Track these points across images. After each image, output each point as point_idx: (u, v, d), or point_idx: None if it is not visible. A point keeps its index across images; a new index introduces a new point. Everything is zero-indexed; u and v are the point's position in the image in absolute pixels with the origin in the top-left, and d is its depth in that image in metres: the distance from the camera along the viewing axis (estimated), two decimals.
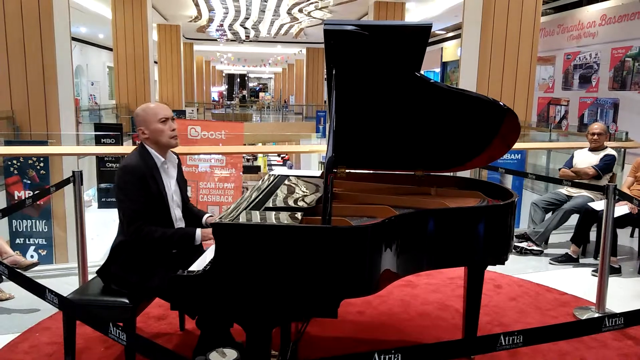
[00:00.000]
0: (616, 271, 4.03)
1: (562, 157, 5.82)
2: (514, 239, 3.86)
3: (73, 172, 3.27)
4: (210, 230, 2.33)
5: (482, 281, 2.60)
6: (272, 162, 13.80)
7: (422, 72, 2.37)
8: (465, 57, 7.07)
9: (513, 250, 4.46)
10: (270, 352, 1.93)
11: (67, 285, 3.45)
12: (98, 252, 5.53)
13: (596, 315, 3.24)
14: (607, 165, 4.49)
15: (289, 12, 16.50)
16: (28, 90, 5.33)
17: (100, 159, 6.69)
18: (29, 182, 4.75)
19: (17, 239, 4.80)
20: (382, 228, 1.91)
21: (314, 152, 5.04)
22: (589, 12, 10.91)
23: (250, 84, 51.77)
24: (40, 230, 4.82)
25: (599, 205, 4.22)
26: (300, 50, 27.07)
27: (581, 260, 4.33)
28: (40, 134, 5.35)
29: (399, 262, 2.04)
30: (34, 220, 4.81)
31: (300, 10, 16.12)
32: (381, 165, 2.85)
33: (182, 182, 2.56)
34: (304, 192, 2.63)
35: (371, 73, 2.39)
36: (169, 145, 2.42)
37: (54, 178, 4.73)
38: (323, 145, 4.94)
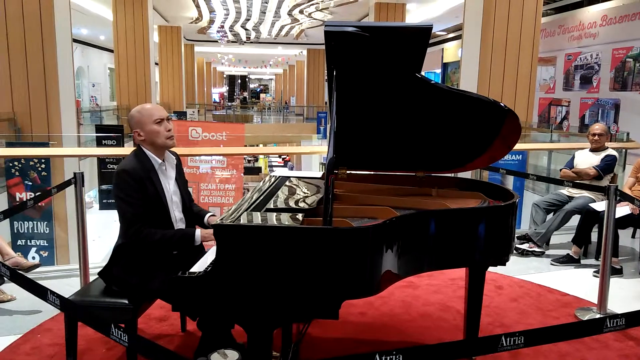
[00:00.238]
0: (617, 272, 4.03)
1: (563, 157, 5.81)
2: (516, 240, 3.86)
3: (74, 173, 3.27)
4: (210, 231, 2.34)
5: (484, 282, 2.60)
6: (273, 163, 13.81)
7: (422, 73, 2.38)
8: (466, 58, 7.07)
9: (514, 252, 4.45)
10: (271, 353, 1.93)
11: (68, 286, 3.45)
12: (99, 253, 5.54)
13: (597, 316, 3.24)
14: (608, 166, 4.49)
15: (289, 14, 16.50)
16: (29, 92, 5.34)
17: (102, 161, 6.69)
18: (30, 183, 4.75)
19: (19, 241, 4.81)
20: (383, 229, 1.91)
21: (314, 153, 5.04)
22: (590, 13, 10.90)
23: (251, 85, 51.82)
24: (42, 231, 4.83)
25: (600, 206, 4.22)
26: (301, 52, 27.09)
27: (582, 261, 4.33)
28: (41, 135, 5.35)
29: (400, 263, 2.04)
30: (35, 222, 4.81)
31: (301, 12, 16.13)
32: (382, 166, 2.85)
33: (182, 182, 2.55)
34: (305, 193, 2.63)
35: (372, 74, 2.39)
36: (165, 146, 2.42)
37: (55, 179, 4.73)
38: (324, 146, 4.93)
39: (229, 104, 35.96)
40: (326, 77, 2.59)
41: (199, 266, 2.12)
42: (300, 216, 2.03)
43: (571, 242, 4.41)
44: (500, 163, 4.88)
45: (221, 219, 2.00)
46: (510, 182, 5.40)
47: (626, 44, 9.76)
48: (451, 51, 18.79)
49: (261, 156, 13.67)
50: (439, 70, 19.99)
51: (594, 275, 3.98)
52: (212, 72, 39.56)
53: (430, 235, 2.18)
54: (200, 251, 2.46)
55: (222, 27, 19.41)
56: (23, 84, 5.30)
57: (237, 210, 2.15)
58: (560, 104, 11.88)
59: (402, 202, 2.53)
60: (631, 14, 9.64)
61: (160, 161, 2.42)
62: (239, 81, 50.06)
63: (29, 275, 3.28)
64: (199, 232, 2.38)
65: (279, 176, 2.92)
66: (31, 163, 4.73)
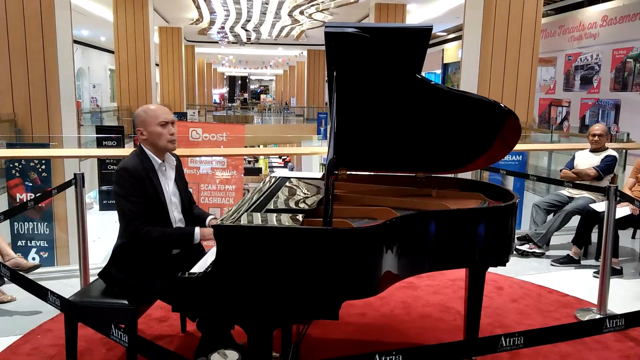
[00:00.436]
0: (618, 272, 4.03)
1: (564, 158, 5.81)
2: (516, 240, 3.86)
3: (75, 174, 3.27)
4: (210, 229, 2.34)
5: (484, 283, 2.59)
6: (274, 164, 13.82)
7: (423, 73, 2.38)
8: (466, 58, 7.08)
9: (515, 253, 4.45)
10: (271, 354, 1.93)
11: (68, 287, 3.46)
12: (99, 254, 5.53)
13: (597, 316, 3.24)
14: (608, 166, 4.49)
15: (290, 15, 16.52)
16: (30, 93, 5.35)
17: (102, 162, 6.70)
18: (30, 184, 4.75)
19: (19, 241, 4.81)
20: (383, 229, 1.91)
21: (315, 154, 5.04)
22: (590, 13, 10.91)
23: (252, 86, 51.80)
24: (42, 232, 4.83)
25: (600, 206, 4.22)
26: (302, 52, 27.11)
27: (583, 262, 4.33)
28: (42, 136, 5.36)
29: (400, 264, 2.04)
30: (35, 223, 4.82)
31: (301, 13, 16.14)
32: (382, 167, 2.85)
33: (181, 183, 2.55)
34: (305, 194, 2.63)
35: (372, 75, 2.39)
36: (166, 149, 2.42)
37: (55, 180, 4.73)
38: (324, 147, 4.93)
39: (230, 104, 36.00)
40: (326, 78, 2.59)
41: (199, 267, 2.12)
42: (300, 217, 2.04)
43: (571, 242, 4.41)
44: (500, 164, 4.88)
45: (221, 220, 2.00)
46: (510, 182, 5.40)
47: (626, 45, 9.77)
48: (451, 52, 18.80)
49: (261, 157, 13.70)
50: (439, 71, 20.00)
51: (594, 276, 3.97)
52: (212, 73, 39.60)
53: (430, 235, 2.18)
54: (201, 252, 2.46)
55: (223, 28, 19.44)
56: (24, 85, 5.31)
57: (237, 211, 2.15)
58: (561, 105, 11.88)
59: (402, 202, 2.53)
60: (631, 14, 9.64)
61: (160, 162, 2.42)
62: (240, 82, 50.05)
63: (29, 276, 3.27)
64: (198, 229, 2.37)
65: (279, 177, 2.92)
66: (32, 164, 4.74)
